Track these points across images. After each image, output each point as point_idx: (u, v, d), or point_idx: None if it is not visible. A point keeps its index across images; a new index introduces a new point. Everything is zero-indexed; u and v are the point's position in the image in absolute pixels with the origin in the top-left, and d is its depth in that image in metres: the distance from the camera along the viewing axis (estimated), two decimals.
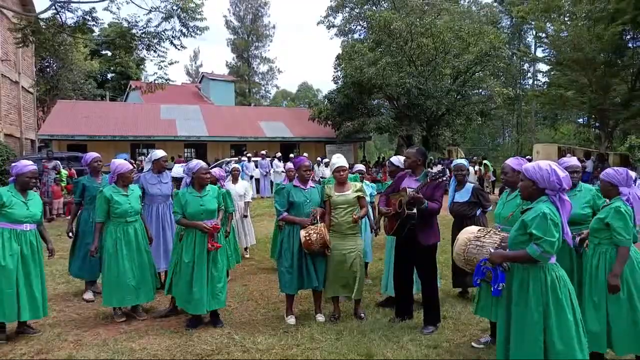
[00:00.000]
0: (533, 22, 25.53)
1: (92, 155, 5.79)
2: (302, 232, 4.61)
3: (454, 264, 5.13)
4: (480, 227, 3.97)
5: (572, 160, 4.29)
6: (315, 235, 4.57)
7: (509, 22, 40.44)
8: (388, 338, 4.36)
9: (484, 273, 3.28)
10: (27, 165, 4.44)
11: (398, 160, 5.64)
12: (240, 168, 7.46)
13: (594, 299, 3.57)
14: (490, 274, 3.21)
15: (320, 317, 4.89)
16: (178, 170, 5.46)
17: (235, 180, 7.69)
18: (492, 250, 3.30)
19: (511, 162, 4.03)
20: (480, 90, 24.40)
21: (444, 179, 4.39)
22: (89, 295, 5.61)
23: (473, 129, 34.12)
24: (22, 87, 24.25)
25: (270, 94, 60.06)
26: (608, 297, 3.53)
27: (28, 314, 4.29)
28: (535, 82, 40.35)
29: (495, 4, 39.44)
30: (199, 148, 26.05)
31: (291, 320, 4.83)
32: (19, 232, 4.30)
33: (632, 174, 3.68)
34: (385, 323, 4.78)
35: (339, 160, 4.88)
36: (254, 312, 5.25)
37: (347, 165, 4.89)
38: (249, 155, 19.23)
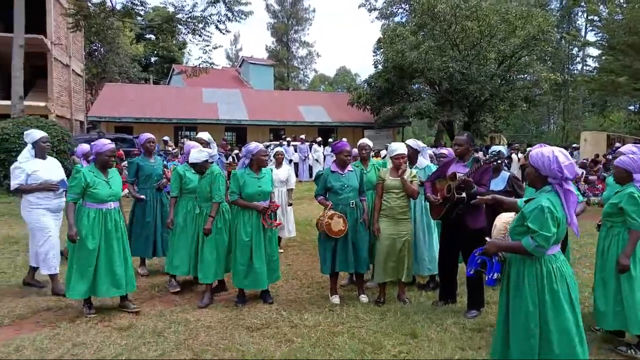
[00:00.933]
0: (585, 5, 24.41)
1: (145, 136, 6.04)
2: (320, 216, 4.84)
3: None
4: (515, 213, 3.95)
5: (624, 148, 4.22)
6: (324, 222, 4.72)
7: (558, 5, 38.77)
8: (432, 320, 4.42)
9: (478, 263, 3.24)
10: (106, 144, 4.49)
11: (415, 143, 5.49)
12: (284, 152, 7.01)
13: (603, 278, 3.83)
14: (485, 264, 3.18)
15: (363, 298, 4.97)
16: (197, 155, 4.88)
17: (278, 165, 7.06)
18: None
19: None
20: (526, 76, 23.67)
21: (499, 162, 4.42)
22: (144, 270, 5.91)
23: (517, 115, 33.13)
24: (73, 70, 25.24)
25: (309, 78, 60.13)
26: (621, 278, 3.72)
27: (108, 291, 4.43)
28: (585, 67, 38.66)
29: None
30: (240, 132, 26.47)
31: (335, 299, 4.93)
32: (104, 212, 4.43)
33: None
34: (429, 306, 4.85)
35: (399, 147, 4.88)
36: (299, 291, 5.41)
37: (406, 153, 4.89)
38: (288, 139, 19.43)
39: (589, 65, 37.62)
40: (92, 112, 23.91)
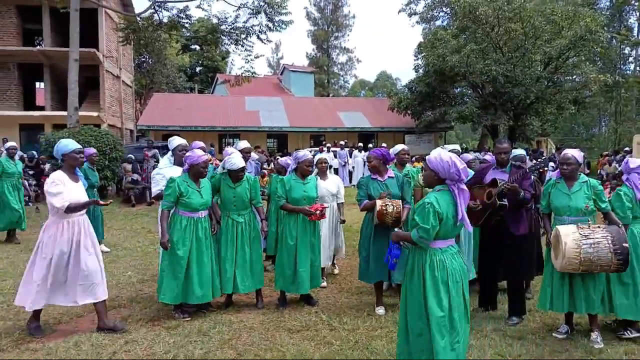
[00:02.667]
0: (637, 3, 23.37)
1: (197, 143, 5.90)
2: (379, 202, 4.60)
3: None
4: (576, 225, 3.98)
5: None
6: (392, 207, 4.57)
7: (608, 3, 37.25)
8: (471, 326, 4.39)
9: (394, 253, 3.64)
10: (201, 156, 4.61)
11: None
12: (327, 159, 5.95)
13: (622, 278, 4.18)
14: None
15: None
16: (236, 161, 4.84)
17: (323, 175, 5.85)
18: (609, 245, 3.73)
19: (575, 152, 4.22)
20: (574, 77, 22.84)
21: (544, 168, 4.40)
22: None
23: (565, 118, 31.99)
24: (123, 81, 26.42)
25: (349, 84, 60.23)
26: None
27: (198, 297, 4.55)
28: (638, 68, 36.92)
29: None
30: (281, 138, 26.88)
31: (380, 311, 4.85)
32: (195, 220, 4.61)
33: None
34: (469, 312, 4.81)
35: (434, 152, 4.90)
36: (338, 295, 5.51)
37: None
38: (328, 145, 19.59)
39: None
40: (141, 121, 24.92)
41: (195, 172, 4.61)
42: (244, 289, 4.87)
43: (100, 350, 3.92)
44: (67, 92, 14.68)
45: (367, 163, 5.00)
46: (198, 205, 4.60)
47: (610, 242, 3.80)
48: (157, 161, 14.23)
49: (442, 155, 3.10)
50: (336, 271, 6.46)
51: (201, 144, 5.66)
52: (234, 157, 4.82)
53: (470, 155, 5.97)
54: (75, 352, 3.90)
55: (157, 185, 4.94)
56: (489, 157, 6.00)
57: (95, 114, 21.60)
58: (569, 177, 4.23)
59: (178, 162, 5.00)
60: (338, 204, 5.98)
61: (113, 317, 4.65)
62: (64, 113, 15.99)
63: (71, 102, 14.50)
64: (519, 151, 5.60)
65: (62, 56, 18.65)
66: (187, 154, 4.70)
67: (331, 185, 5.86)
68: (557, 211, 4.26)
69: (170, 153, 5.12)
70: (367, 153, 18.83)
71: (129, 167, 13.55)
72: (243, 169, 4.87)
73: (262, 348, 3.98)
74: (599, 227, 3.95)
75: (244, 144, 6.21)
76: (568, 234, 3.89)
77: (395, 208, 4.59)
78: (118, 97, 25.72)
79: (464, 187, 3.11)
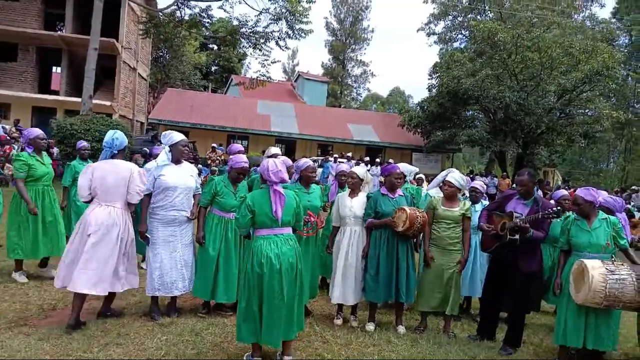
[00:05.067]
0: None
1: (236, 147, 5.81)
2: (409, 210, 4.56)
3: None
4: (600, 260, 4.02)
5: None
6: (421, 216, 4.59)
7: (626, 40, 37.31)
8: (465, 352, 4.38)
9: None
10: (240, 161, 4.75)
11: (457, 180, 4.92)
12: (359, 174, 4.98)
13: None
14: None
15: (401, 329, 4.82)
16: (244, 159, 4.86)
17: (353, 193, 4.94)
18: (634, 282, 3.83)
19: (582, 192, 4.28)
20: (587, 111, 22.84)
21: (557, 218, 4.34)
22: None
23: (574, 151, 31.99)
24: (139, 73, 26.65)
25: (361, 96, 60.41)
26: None
27: (224, 296, 4.65)
28: None
29: (613, 20, 36.59)
30: (289, 144, 26.95)
31: (370, 327, 4.81)
32: (226, 220, 4.70)
33: None
34: (464, 338, 4.79)
35: (453, 174, 4.87)
36: (333, 308, 5.46)
37: (456, 184, 4.79)
38: (335, 156, 19.61)
39: None
40: (153, 114, 25.07)
41: (234, 176, 4.79)
42: None
43: (92, 342, 3.92)
44: (83, 79, 14.82)
45: (392, 178, 4.88)
46: (230, 206, 4.70)
47: (635, 279, 3.84)
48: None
49: (265, 161, 3.83)
50: (354, 324, 4.96)
51: (239, 147, 5.71)
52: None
53: (478, 182, 5.89)
54: (67, 340, 3.90)
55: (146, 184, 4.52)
56: (477, 185, 5.72)
57: (108, 103, 21.77)
58: (586, 215, 4.28)
59: (176, 159, 4.65)
60: (366, 228, 4.92)
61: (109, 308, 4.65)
62: (78, 99, 16.13)
63: (86, 90, 14.64)
64: (475, 183, 5.74)
65: (81, 43, 18.85)
66: (231, 156, 4.91)
67: (357, 207, 4.86)
68: (578, 247, 4.27)
69: (167, 148, 4.65)
70: (374, 167, 18.91)
71: (141, 159, 13.55)
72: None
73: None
74: (622, 264, 4.00)
75: (274, 150, 5.91)
76: (595, 267, 3.90)
77: (422, 217, 4.62)
78: (132, 88, 25.93)
79: (279, 189, 3.74)
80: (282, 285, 3.65)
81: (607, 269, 3.88)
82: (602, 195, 4.79)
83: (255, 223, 3.73)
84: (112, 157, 4.38)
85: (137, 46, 25.82)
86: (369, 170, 18.78)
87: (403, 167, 5.78)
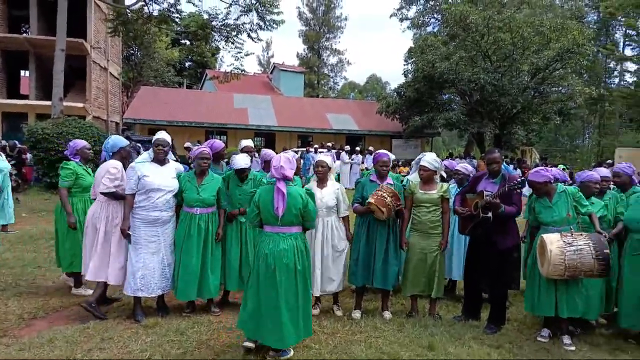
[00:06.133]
0: (623, 19, 23.84)
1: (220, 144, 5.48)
2: (373, 199, 4.54)
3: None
4: (559, 234, 4.18)
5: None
6: (386, 194, 4.57)
7: (595, 17, 37.92)
8: (450, 334, 4.43)
9: None
10: (199, 148, 4.82)
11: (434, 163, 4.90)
12: (327, 162, 4.86)
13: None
14: None
15: (387, 315, 4.87)
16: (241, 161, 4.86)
17: (321, 183, 4.80)
18: (591, 251, 3.97)
19: (534, 177, 4.44)
20: (560, 89, 23.21)
21: (521, 189, 4.39)
22: None
23: (550, 128, 32.53)
24: (110, 73, 26.09)
25: (339, 85, 60.29)
26: None
27: (182, 294, 4.59)
28: (622, 82, 37.64)
29: None
30: (268, 137, 26.81)
31: (356, 314, 4.84)
32: (190, 215, 4.61)
33: None
34: (449, 320, 4.85)
35: (426, 157, 4.86)
36: (320, 298, 5.47)
37: (430, 167, 4.77)
38: (316, 146, 19.57)
39: (627, 80, 36.66)
40: (127, 114, 24.65)
41: (196, 166, 4.71)
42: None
43: (75, 348, 3.85)
44: (52, 82, 14.45)
45: (378, 166, 4.86)
46: (194, 201, 4.59)
47: (592, 248, 4.00)
48: (138, 154, 14.12)
49: (279, 155, 3.90)
50: (339, 313, 4.92)
51: (220, 143, 5.44)
52: (236, 157, 4.85)
53: (462, 165, 5.89)
54: (48, 349, 3.82)
55: (129, 182, 4.55)
56: (460, 167, 5.73)
57: (80, 105, 21.31)
58: (546, 194, 4.45)
59: (157, 158, 4.65)
60: (342, 218, 4.87)
61: (89, 314, 4.56)
62: (49, 103, 15.74)
63: (56, 93, 14.27)
64: (460, 166, 5.77)
65: (48, 45, 18.35)
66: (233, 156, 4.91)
67: (328, 197, 4.73)
68: (543, 223, 4.45)
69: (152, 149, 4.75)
70: (354, 155, 18.92)
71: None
72: (244, 170, 4.84)
73: (239, 350, 3.94)
74: (581, 234, 4.16)
75: (246, 142, 5.92)
76: (552, 242, 4.08)
77: (393, 199, 4.58)
78: (104, 89, 25.40)
79: (282, 187, 3.69)
80: (276, 285, 3.64)
81: (564, 241, 4.05)
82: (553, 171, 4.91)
83: (262, 219, 3.81)
84: (111, 158, 4.77)
85: (107, 45, 25.25)
86: (351, 159, 19.00)
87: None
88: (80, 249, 5.04)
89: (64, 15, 14.28)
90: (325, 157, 4.92)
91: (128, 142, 5.14)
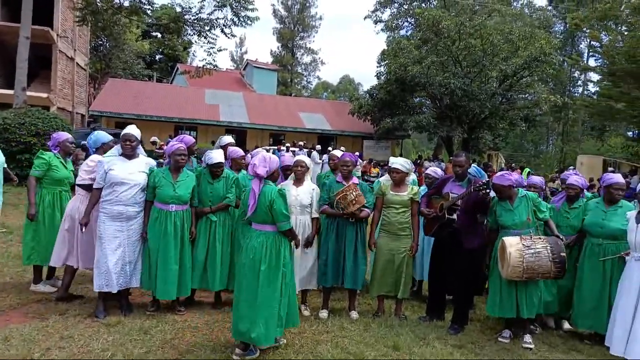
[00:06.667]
0: (587, 30, 24.70)
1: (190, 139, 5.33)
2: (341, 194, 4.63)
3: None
4: (518, 237, 4.31)
5: (617, 177, 4.54)
6: (353, 194, 4.61)
7: (562, 28, 39.15)
8: (415, 334, 4.50)
9: None
10: (174, 144, 4.67)
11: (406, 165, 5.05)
12: (306, 162, 4.91)
13: None
14: None
15: (354, 315, 4.91)
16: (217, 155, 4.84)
17: (298, 182, 4.82)
18: (548, 254, 4.08)
19: (499, 180, 4.53)
20: (527, 95, 23.90)
21: (488, 191, 4.41)
22: None
23: (516, 134, 33.37)
24: (77, 63, 25.35)
25: (312, 84, 60.29)
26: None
27: (163, 292, 4.52)
28: (586, 91, 38.99)
29: (549, 8, 38.26)
30: (240, 135, 26.56)
31: (323, 314, 4.86)
32: (165, 213, 4.51)
33: None
34: (414, 320, 4.92)
35: (396, 161, 4.92)
36: None
37: (403, 169, 4.83)
38: (287, 145, 19.52)
39: (590, 90, 38.00)
40: (94, 106, 23.97)
41: (172, 162, 4.60)
42: (213, 287, 4.81)
43: (32, 347, 3.72)
44: (15, 71, 13.94)
45: (342, 167, 4.90)
46: (169, 197, 4.50)
47: (549, 251, 4.16)
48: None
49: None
50: (306, 312, 4.93)
51: (191, 138, 5.31)
52: (212, 152, 4.80)
53: (432, 169, 5.91)
54: (4, 347, 3.68)
55: (97, 177, 4.47)
56: (431, 172, 5.70)
57: (44, 95, 20.63)
58: (508, 197, 4.56)
59: (125, 153, 4.55)
60: (313, 218, 4.81)
61: (49, 311, 4.44)
62: (11, 92, 15.17)
63: (19, 82, 13.79)
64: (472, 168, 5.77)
65: (12, 32, 17.71)
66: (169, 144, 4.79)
67: (304, 195, 4.74)
68: (504, 226, 4.56)
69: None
70: (326, 155, 18.94)
71: (82, 154, 12.94)
72: (220, 165, 4.78)
73: (205, 348, 3.90)
74: (540, 238, 4.31)
75: (227, 139, 5.78)
76: (512, 245, 4.23)
77: (355, 194, 4.63)
78: (70, 79, 24.66)
79: (254, 183, 3.74)
80: (241, 279, 3.75)
81: (523, 244, 4.20)
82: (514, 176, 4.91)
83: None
84: (95, 153, 4.83)
85: (75, 34, 24.52)
86: (322, 159, 19.01)
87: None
88: (41, 243, 4.93)
89: (29, 1, 13.79)
90: (305, 157, 4.97)
91: (112, 138, 5.09)
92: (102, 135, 5.04)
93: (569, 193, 4.96)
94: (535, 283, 4.41)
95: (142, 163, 4.63)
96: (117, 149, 4.68)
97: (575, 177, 4.97)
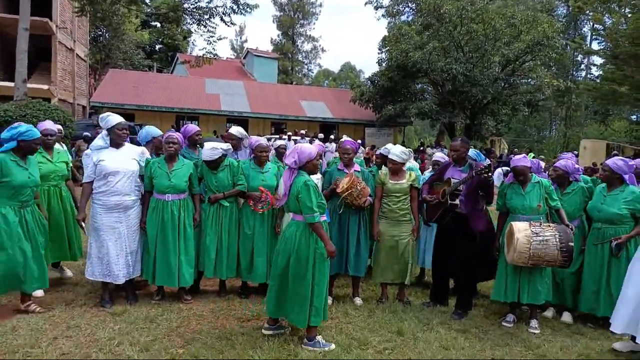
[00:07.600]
0: (591, 13, 24.43)
1: (193, 128, 5.26)
2: (355, 176, 4.62)
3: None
4: (528, 223, 4.29)
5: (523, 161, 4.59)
6: (363, 184, 4.63)
7: (565, 11, 38.75)
8: (419, 319, 4.52)
9: None
10: (205, 153, 4.66)
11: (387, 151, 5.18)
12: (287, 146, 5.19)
13: None
14: None
15: (358, 301, 4.95)
16: (210, 153, 4.70)
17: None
18: (556, 243, 4.02)
19: (523, 162, 4.53)
20: (530, 80, 23.71)
21: (489, 174, 4.40)
22: None
23: (518, 119, 33.23)
24: (77, 54, 25.26)
25: (313, 72, 60.00)
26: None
27: (165, 280, 4.57)
28: (589, 75, 38.70)
29: None
30: (241, 124, 26.42)
31: (328, 301, 4.93)
32: (162, 203, 4.53)
33: None
34: (418, 306, 4.94)
35: (392, 150, 4.89)
36: None
37: (398, 160, 4.80)
38: (289, 134, 19.48)
39: (593, 74, 37.71)
40: (94, 97, 23.93)
41: (165, 151, 4.61)
42: (220, 275, 4.84)
43: (40, 336, 3.76)
44: (15, 63, 13.90)
45: (342, 155, 4.88)
46: (165, 187, 4.52)
47: (557, 240, 4.12)
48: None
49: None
50: None
51: (195, 127, 5.26)
52: (204, 148, 4.73)
53: (439, 154, 5.89)
54: (12, 337, 3.72)
55: (86, 170, 4.47)
56: (439, 157, 5.72)
57: (45, 87, 20.60)
58: (525, 181, 4.54)
59: (116, 142, 4.46)
60: None
61: (56, 301, 4.48)
62: (11, 84, 15.14)
63: (19, 74, 13.75)
64: (437, 155, 5.85)
65: (11, 24, 17.61)
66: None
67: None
68: (513, 210, 4.56)
69: (105, 132, 4.47)
70: (327, 143, 18.92)
71: (84, 145, 12.94)
72: (214, 161, 4.71)
73: (210, 336, 3.93)
74: (549, 225, 4.27)
75: (236, 128, 5.68)
76: (520, 230, 4.20)
77: (363, 186, 4.64)
78: (71, 70, 24.60)
79: (285, 173, 3.81)
80: (274, 265, 4.00)
81: (532, 231, 4.17)
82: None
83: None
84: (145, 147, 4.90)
85: (74, 25, 24.40)
86: (326, 147, 18.96)
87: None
88: None
89: None
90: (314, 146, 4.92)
91: (160, 132, 5.07)
92: (152, 130, 5.10)
93: (550, 175, 4.95)
94: (539, 270, 4.41)
95: (132, 151, 4.61)
96: (103, 139, 4.49)
97: (561, 161, 4.86)
